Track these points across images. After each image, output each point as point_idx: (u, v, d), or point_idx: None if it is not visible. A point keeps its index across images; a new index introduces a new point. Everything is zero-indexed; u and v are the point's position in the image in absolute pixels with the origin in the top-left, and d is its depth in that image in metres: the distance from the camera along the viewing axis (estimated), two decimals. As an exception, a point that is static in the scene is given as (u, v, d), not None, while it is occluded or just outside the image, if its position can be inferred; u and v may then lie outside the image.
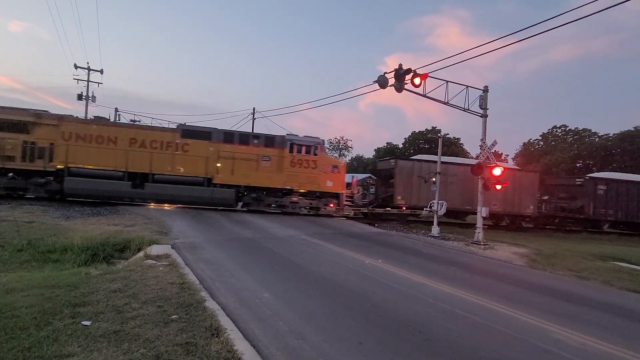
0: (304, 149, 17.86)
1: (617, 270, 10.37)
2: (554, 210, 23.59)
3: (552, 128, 51.57)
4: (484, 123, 14.51)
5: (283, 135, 18.31)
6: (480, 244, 13.65)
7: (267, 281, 6.67)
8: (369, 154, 59.50)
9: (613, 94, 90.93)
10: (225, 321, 4.45)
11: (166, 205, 17.29)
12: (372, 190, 22.31)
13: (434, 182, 16.67)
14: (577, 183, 23.38)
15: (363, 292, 6.36)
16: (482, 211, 14.26)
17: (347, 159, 57.27)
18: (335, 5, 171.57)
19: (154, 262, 7.21)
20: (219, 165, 17.08)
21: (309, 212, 18.25)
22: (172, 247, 8.92)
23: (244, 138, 17.74)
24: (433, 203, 16.40)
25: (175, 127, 17.57)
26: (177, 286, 5.62)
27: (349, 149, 61.24)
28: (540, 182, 23.79)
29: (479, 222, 14.29)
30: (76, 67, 30.13)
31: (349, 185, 19.36)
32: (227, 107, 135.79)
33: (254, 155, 17.40)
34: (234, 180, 17.20)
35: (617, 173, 30.24)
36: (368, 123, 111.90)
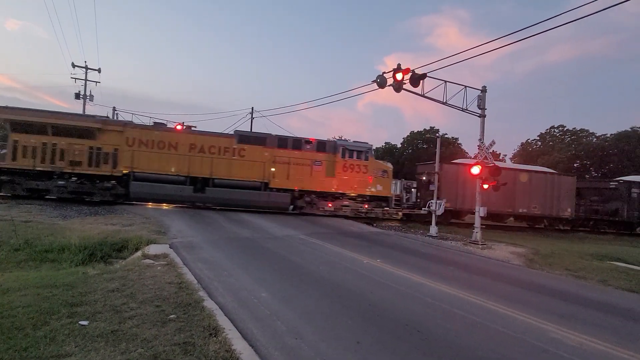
0: (355, 154, 18.52)
1: (613, 270, 10.42)
2: (586, 213, 24.09)
3: (550, 128, 51.70)
4: (482, 123, 14.55)
5: (334, 141, 19.29)
6: (478, 244, 13.70)
7: (265, 281, 6.67)
8: (367, 153, 59.27)
9: (611, 95, 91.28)
10: (223, 321, 4.45)
11: (164, 205, 17.31)
12: (413, 193, 22.60)
13: (433, 183, 16.73)
14: (611, 186, 23.94)
15: (361, 292, 6.37)
16: (480, 211, 14.30)
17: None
18: (334, 5, 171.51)
19: (152, 261, 7.20)
20: (273, 169, 17.72)
21: (357, 215, 18.82)
22: (170, 247, 8.90)
23: (297, 143, 18.34)
24: (432, 203, 16.44)
25: (232, 132, 18.29)
26: (175, 286, 5.61)
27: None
28: None
29: (477, 222, 14.33)
30: (74, 65, 29.98)
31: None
32: (226, 107, 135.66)
33: (307, 160, 18.05)
34: (289, 185, 17.81)
35: None
36: (366, 123, 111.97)
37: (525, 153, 51.53)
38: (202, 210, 17.08)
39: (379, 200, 18.84)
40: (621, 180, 24.53)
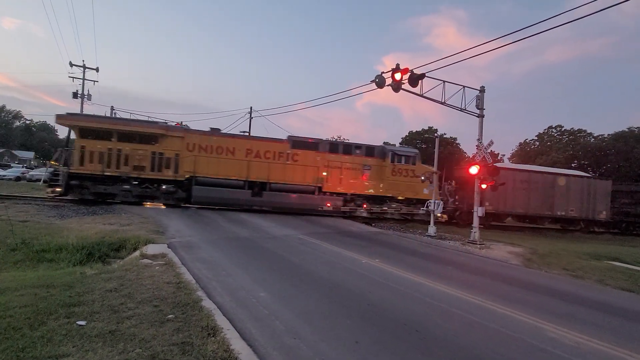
0: (403, 159, 19.21)
1: (611, 270, 10.46)
2: (618, 216, 24.58)
3: (548, 128, 51.90)
4: (481, 123, 14.57)
5: (382, 146, 19.81)
6: (476, 244, 13.72)
7: (263, 280, 6.66)
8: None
9: (608, 95, 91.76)
10: (221, 321, 4.44)
11: (162, 204, 17.27)
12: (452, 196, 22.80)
13: (431, 183, 16.74)
14: None
15: (360, 292, 6.37)
16: (479, 211, 14.32)
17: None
18: (333, 5, 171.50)
19: (150, 261, 7.18)
20: (325, 174, 18.41)
21: (404, 218, 19.53)
22: (169, 247, 8.87)
23: (347, 148, 19.15)
24: (430, 202, 16.46)
25: (285, 138, 18.73)
26: (173, 286, 5.60)
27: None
28: None
29: (475, 222, 14.35)
30: (71, 65, 29.88)
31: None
32: (225, 106, 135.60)
33: (358, 164, 18.71)
34: (341, 189, 18.52)
35: None
36: (365, 123, 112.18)
37: (524, 153, 51.70)
38: (200, 210, 17.04)
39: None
40: None
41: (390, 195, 19.09)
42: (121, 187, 16.48)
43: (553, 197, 21.82)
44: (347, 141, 19.30)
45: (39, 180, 31.39)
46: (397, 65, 13.29)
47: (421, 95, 14.12)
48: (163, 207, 16.99)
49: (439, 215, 19.05)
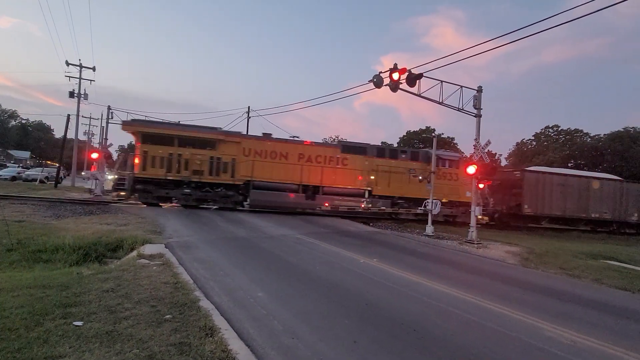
0: (447, 162, 19.94)
1: (607, 269, 10.52)
2: None
3: (545, 128, 52.21)
4: (478, 123, 14.61)
5: (427, 150, 20.29)
6: (473, 243, 13.76)
7: (261, 280, 6.65)
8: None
9: (605, 95, 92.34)
10: (219, 321, 4.43)
11: (161, 204, 17.25)
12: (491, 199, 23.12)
13: (429, 182, 16.76)
14: None
15: (358, 291, 6.37)
16: (476, 210, 14.37)
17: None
18: (332, 5, 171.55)
19: (147, 261, 7.15)
20: (373, 177, 18.99)
21: (447, 220, 20.08)
22: (166, 247, 8.84)
23: (394, 153, 20.06)
24: (427, 202, 16.50)
25: (336, 143, 19.35)
26: (170, 286, 5.58)
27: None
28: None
29: (473, 221, 14.39)
30: (68, 64, 29.71)
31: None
32: (225, 106, 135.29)
33: (403, 168, 19.18)
34: (390, 192, 19.20)
35: None
36: (363, 122, 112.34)
37: (520, 153, 51.96)
38: (198, 210, 17.01)
39: (468, 206, 19.34)
40: None
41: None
42: (182, 191, 16.89)
43: (588, 199, 22.37)
44: (393, 146, 19.82)
45: (34, 180, 31.25)
46: (395, 65, 13.32)
47: (419, 95, 14.15)
48: (161, 206, 16.95)
49: (479, 216, 19.34)
